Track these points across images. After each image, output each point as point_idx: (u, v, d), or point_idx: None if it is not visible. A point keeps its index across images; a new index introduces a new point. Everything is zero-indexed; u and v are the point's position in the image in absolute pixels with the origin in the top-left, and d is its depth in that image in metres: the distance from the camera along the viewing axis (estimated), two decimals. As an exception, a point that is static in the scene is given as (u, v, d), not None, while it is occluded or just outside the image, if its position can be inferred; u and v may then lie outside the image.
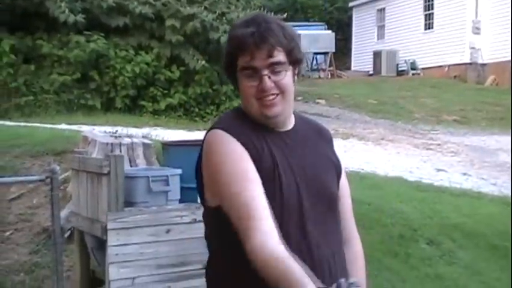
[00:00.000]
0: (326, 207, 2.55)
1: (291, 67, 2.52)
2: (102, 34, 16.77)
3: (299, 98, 20.85)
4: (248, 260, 2.30)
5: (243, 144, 2.47)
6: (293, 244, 2.40)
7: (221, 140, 2.50)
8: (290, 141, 2.58)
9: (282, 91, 2.49)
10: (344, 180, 2.73)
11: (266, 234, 2.25)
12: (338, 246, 2.58)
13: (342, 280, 2.03)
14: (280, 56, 2.47)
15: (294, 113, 2.68)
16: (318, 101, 22.22)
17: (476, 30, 28.86)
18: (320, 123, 2.83)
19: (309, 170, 2.55)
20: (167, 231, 6.38)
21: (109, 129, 9.90)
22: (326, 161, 2.65)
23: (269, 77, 2.45)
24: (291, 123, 2.64)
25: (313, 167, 2.57)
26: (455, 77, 29.23)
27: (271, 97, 2.47)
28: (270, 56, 2.45)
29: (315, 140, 2.68)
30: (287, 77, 2.50)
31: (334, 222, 2.59)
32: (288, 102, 2.54)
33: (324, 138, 2.74)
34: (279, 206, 2.42)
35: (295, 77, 2.58)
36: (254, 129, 2.54)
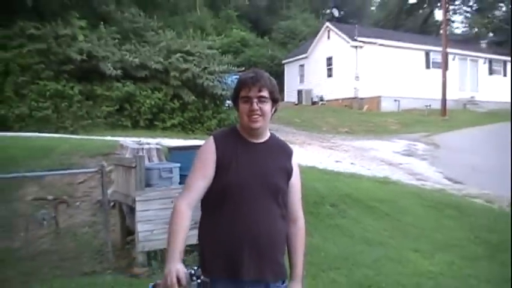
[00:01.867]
0: (270, 194, 2.55)
1: (271, 102, 2.59)
2: (132, 81, 16.80)
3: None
4: (213, 219, 2.53)
5: (217, 146, 2.55)
6: (242, 210, 2.49)
7: (205, 143, 2.62)
8: (258, 150, 2.61)
9: (263, 114, 2.56)
10: (295, 180, 2.68)
11: (183, 197, 2.50)
12: (274, 220, 2.55)
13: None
14: (265, 92, 2.56)
15: (271, 134, 2.72)
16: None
17: (357, 77, 29.14)
18: (286, 143, 2.80)
19: (263, 169, 2.56)
20: (172, 201, 6.36)
21: (135, 139, 9.84)
22: (280, 166, 2.63)
23: (257, 103, 2.53)
24: (264, 139, 2.66)
25: (268, 168, 2.58)
26: (345, 105, 29.49)
27: (256, 116, 2.54)
28: (260, 91, 2.54)
29: (277, 153, 2.67)
30: (267, 106, 2.58)
31: (275, 204, 2.57)
32: (265, 122, 2.60)
33: (285, 153, 2.71)
34: (233, 187, 2.49)
35: (274, 111, 2.66)
36: (234, 138, 2.61)
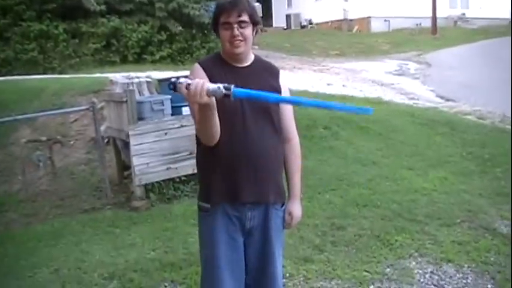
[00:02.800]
0: (261, 114, 2.52)
1: (251, 25, 2.52)
2: (117, 16, 16.46)
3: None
4: (206, 147, 2.47)
5: (205, 70, 2.52)
6: (236, 133, 2.47)
7: (193, 69, 2.57)
8: (243, 73, 2.56)
9: (244, 38, 2.49)
10: None
11: None
12: (268, 139, 2.54)
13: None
14: (245, 17, 2.47)
15: (255, 57, 2.67)
16: (254, 46, 21.58)
17: (346, -2, 28.72)
18: (271, 63, 2.75)
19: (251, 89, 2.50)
20: (166, 133, 6.35)
21: (125, 74, 9.71)
22: (267, 86, 2.55)
23: (237, 29, 2.46)
24: (248, 62, 2.61)
25: (256, 89, 2.46)
26: (335, 28, 29.09)
27: (238, 41, 2.48)
28: (239, 16, 2.46)
29: (263, 74, 2.62)
30: (248, 31, 2.51)
31: (268, 124, 2.54)
32: (247, 46, 2.54)
33: (271, 73, 2.65)
34: (224, 110, 2.42)
35: (255, 33, 2.58)
36: (219, 64, 2.56)
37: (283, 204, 2.67)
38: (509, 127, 8.82)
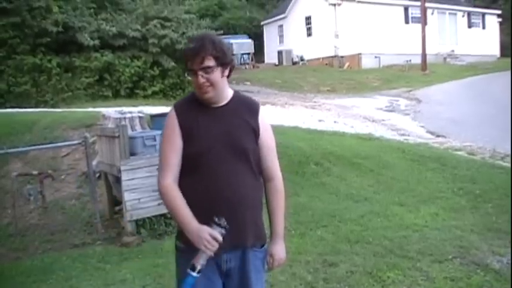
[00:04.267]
0: (238, 156, 2.45)
1: (220, 68, 2.44)
2: (110, 51, 16.55)
3: (233, 82, 20.66)
4: (185, 189, 2.45)
5: (178, 115, 2.48)
6: (211, 176, 2.43)
7: (168, 116, 2.53)
8: (219, 113, 2.48)
9: (211, 84, 2.42)
10: (264, 137, 2.54)
11: (166, 177, 2.44)
12: (245, 180, 2.48)
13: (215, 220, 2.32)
14: (210, 61, 2.41)
15: (234, 93, 2.58)
16: (245, 82, 22.15)
17: (336, 36, 29.00)
18: (252, 100, 2.65)
19: (227, 131, 2.45)
20: (157, 169, 6.34)
21: (117, 109, 9.73)
22: (244, 126, 2.49)
23: (202, 76, 2.41)
24: (224, 101, 2.52)
25: (231, 130, 2.46)
26: (326, 64, 29.39)
27: (204, 88, 2.42)
28: (202, 62, 2.40)
29: (241, 112, 2.52)
30: (215, 75, 2.43)
31: (245, 165, 2.47)
32: (217, 90, 2.45)
33: (250, 111, 2.54)
34: (197, 155, 2.43)
35: (227, 72, 2.50)
36: (195, 105, 2.50)
37: (263, 245, 2.58)
38: (500, 162, 8.90)
